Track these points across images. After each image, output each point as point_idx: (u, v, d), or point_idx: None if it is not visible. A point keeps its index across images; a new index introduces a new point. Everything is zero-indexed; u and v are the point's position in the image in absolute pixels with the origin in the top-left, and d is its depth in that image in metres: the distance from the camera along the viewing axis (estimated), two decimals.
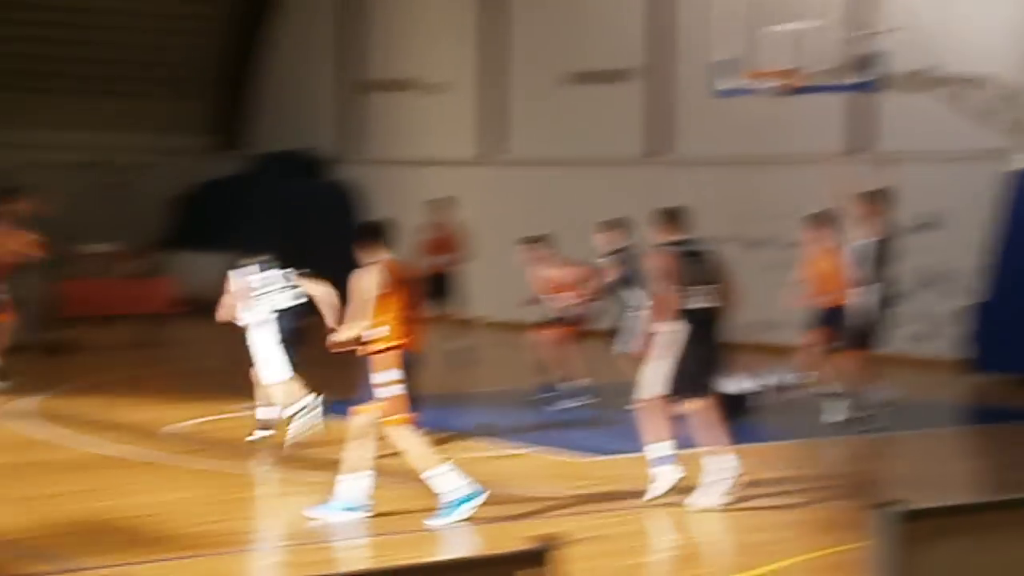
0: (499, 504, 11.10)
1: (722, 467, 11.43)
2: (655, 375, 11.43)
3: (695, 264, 11.54)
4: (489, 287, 23.41)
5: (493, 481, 11.58)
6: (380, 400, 10.80)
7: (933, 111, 19.78)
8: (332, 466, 11.33)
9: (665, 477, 11.43)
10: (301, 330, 14.00)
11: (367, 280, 10.74)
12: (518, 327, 19.95)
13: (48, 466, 12.88)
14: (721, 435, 11.53)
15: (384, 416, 10.80)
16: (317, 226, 27.93)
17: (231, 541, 10.29)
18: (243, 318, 14.07)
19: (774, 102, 17.57)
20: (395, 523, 10.84)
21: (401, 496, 11.35)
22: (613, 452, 13.57)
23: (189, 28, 29.78)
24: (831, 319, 15.44)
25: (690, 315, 11.38)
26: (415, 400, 10.81)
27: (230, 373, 21.27)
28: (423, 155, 27.21)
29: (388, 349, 10.74)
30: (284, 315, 13.90)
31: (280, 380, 13.72)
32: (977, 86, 18.43)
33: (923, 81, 18.01)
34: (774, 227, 21.96)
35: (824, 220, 15.69)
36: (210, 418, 15.52)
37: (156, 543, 10.22)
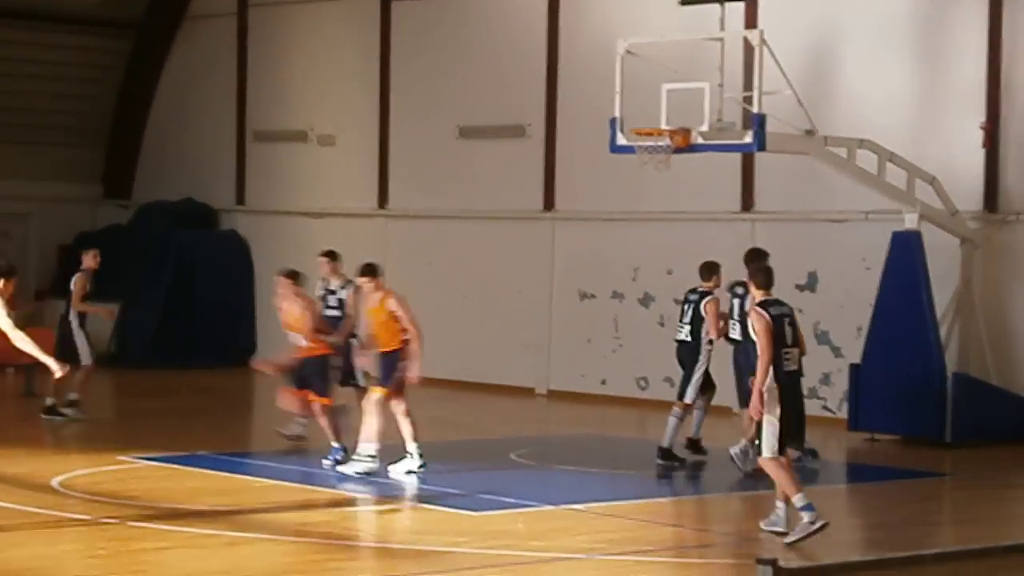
0: (380, 559, 11.03)
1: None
2: (771, 433, 12.05)
3: (788, 325, 12.24)
4: None
5: (374, 536, 11.47)
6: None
7: (817, 172, 20.09)
8: (224, 519, 11.20)
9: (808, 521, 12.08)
10: None
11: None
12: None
13: None
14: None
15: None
16: (209, 275, 27.73)
17: None
18: None
19: (665, 160, 17.71)
20: None
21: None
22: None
23: (80, 76, 29.54)
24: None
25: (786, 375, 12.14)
26: None
27: (116, 423, 21.12)
28: (317, 206, 27.14)
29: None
30: None
31: None
32: (860, 147, 18.73)
33: (806, 143, 18.28)
34: (662, 283, 22.19)
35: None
36: (94, 470, 15.32)
37: None
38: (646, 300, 22.86)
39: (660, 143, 17.45)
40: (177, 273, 27.65)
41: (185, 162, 29.31)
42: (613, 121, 18.11)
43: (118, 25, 29.45)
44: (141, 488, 14.36)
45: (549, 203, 24.27)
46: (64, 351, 18.52)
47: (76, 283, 19.88)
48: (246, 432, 21.09)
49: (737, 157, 21.30)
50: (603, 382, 23.28)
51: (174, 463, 15.71)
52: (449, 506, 13.56)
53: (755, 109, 17.44)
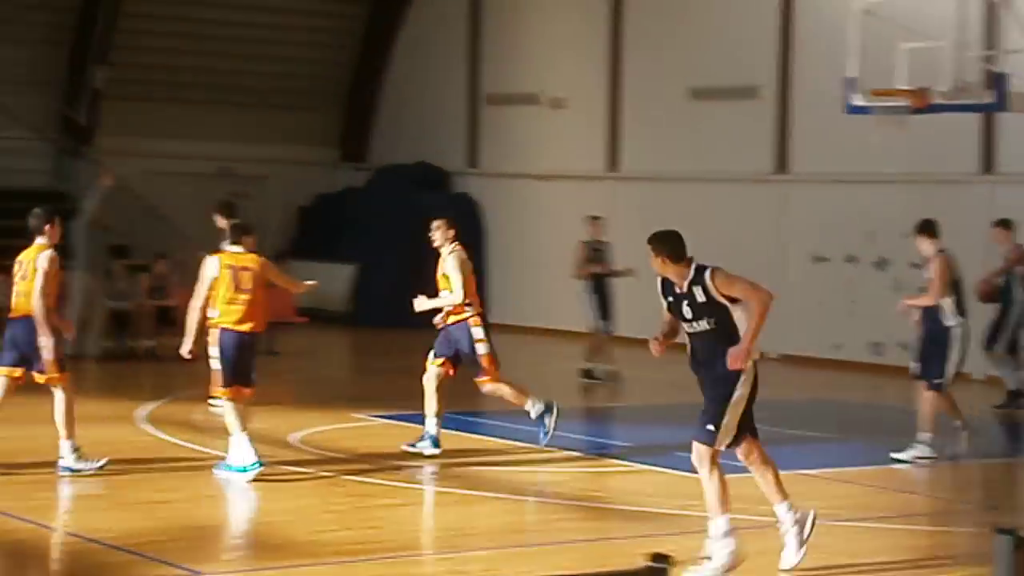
0: (615, 520, 11.06)
1: None
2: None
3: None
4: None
5: (608, 497, 11.52)
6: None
7: None
8: (458, 478, 11.35)
9: None
10: None
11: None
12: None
13: (166, 472, 13.05)
14: None
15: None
16: None
17: (348, 551, 10.34)
18: None
19: (903, 121, 17.34)
20: (508, 538, 10.85)
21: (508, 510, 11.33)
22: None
23: (317, 40, 30.08)
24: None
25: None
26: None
27: (350, 382, 21.53)
28: (547, 169, 27.24)
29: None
30: None
31: None
32: None
33: None
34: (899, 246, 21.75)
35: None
36: (330, 427, 15.65)
37: (273, 550, 10.32)
38: (881, 264, 22.44)
39: (898, 103, 17.09)
40: (412, 235, 28.02)
41: (419, 125, 29.66)
42: (849, 81, 17.79)
43: None
44: (375, 445, 14.62)
45: (781, 165, 23.98)
46: None
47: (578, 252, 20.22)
48: (477, 391, 21.28)
49: (976, 117, 20.74)
50: (836, 347, 22.96)
51: (407, 421, 15.94)
52: (680, 469, 13.52)
53: (997, 68, 16.95)
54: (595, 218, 20.69)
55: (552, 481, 13.24)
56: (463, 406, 16.25)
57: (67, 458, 12.50)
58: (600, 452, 14.86)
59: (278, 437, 14.75)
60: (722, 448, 9.69)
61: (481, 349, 13.95)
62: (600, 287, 20.29)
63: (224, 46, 29.03)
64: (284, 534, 10.79)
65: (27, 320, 12.36)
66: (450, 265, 13.97)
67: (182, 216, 27.83)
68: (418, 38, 29.75)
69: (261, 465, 12.40)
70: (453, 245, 14.04)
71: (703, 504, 9.81)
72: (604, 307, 20.24)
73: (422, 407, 14.06)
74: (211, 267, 12.78)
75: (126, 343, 21.74)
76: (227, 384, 12.65)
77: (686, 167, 25.06)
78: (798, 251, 23.61)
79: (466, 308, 13.97)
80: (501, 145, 28.34)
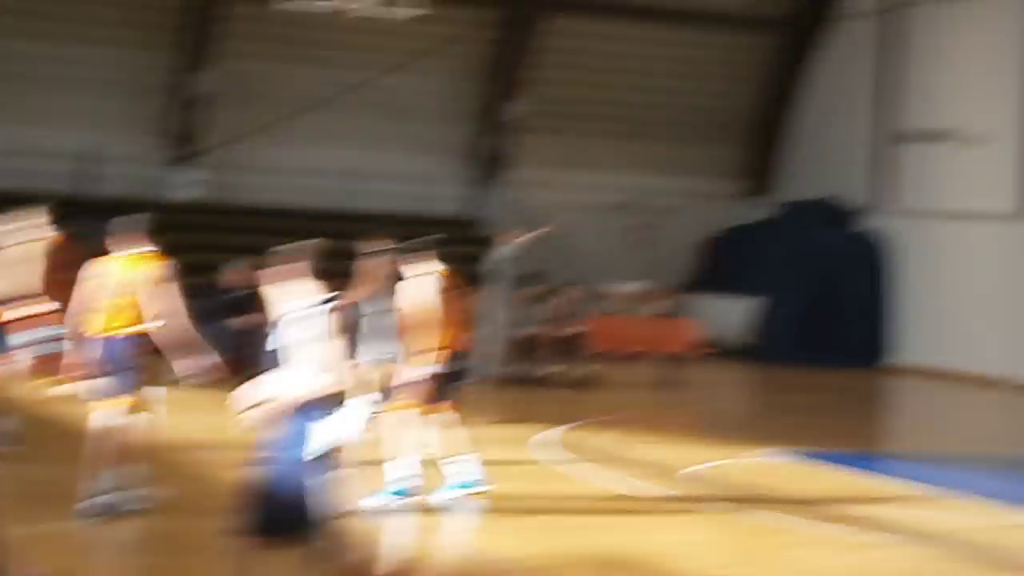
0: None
1: None
2: None
3: None
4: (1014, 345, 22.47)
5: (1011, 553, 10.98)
6: None
7: None
8: (857, 521, 11.03)
9: None
10: None
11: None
12: None
13: (565, 497, 13.13)
14: None
15: None
16: (848, 274, 27.58)
17: None
18: None
19: None
20: None
21: None
22: None
23: (725, 74, 30.04)
24: None
25: None
26: None
27: (750, 417, 21.31)
28: (957, 208, 26.43)
29: None
30: None
31: None
32: None
33: None
34: None
35: None
36: (728, 461, 15.48)
37: None
38: None
39: None
40: (818, 271, 27.66)
41: (825, 160, 29.24)
42: None
43: (766, 24, 29.74)
44: (773, 483, 14.38)
45: None
46: None
47: None
48: (878, 432, 20.78)
49: None
50: None
51: (809, 459, 15.63)
52: None
53: None
54: None
55: (956, 530, 12.74)
56: (865, 447, 15.82)
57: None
58: (1014, 503, 14.21)
59: (673, 469, 14.68)
60: None
61: None
62: None
63: (635, 79, 29.30)
64: (678, 568, 10.70)
65: None
66: None
67: (586, 246, 28.22)
68: (826, 71, 29.37)
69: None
70: None
71: None
72: None
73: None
74: None
75: (528, 368, 22.05)
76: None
77: None
78: None
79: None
80: (910, 182, 27.64)
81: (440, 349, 12.08)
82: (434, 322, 12.04)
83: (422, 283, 12.18)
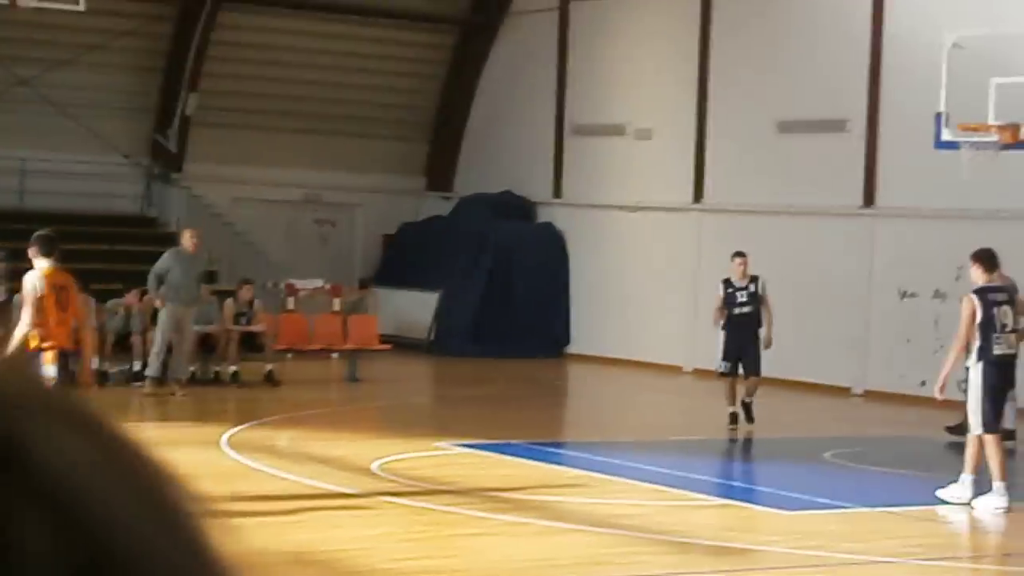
0: (696, 554, 10.98)
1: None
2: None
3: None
4: (684, 334, 23.24)
5: (689, 531, 11.44)
6: None
7: None
8: (536, 509, 11.29)
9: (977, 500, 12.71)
10: None
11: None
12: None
13: (251, 496, 13.10)
14: None
15: None
16: (524, 267, 28.12)
17: None
18: None
19: (992, 156, 17.22)
20: (589, 570, 10.78)
21: None
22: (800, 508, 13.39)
23: (407, 71, 30.25)
24: None
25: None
26: None
27: (434, 409, 21.58)
28: (632, 200, 27.20)
29: None
30: None
31: None
32: None
33: None
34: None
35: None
36: (412, 455, 15.67)
37: None
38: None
39: (987, 139, 16.95)
40: (495, 264, 28.11)
41: (504, 155, 29.74)
42: (938, 116, 17.66)
43: (443, 21, 30.06)
44: (456, 474, 14.62)
45: (869, 199, 23.80)
46: None
47: None
48: (558, 421, 21.29)
49: None
50: (922, 383, 22.68)
51: (488, 450, 15.93)
52: (761, 504, 13.42)
53: None
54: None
55: (630, 514, 13.17)
56: (546, 436, 16.21)
57: None
58: (682, 486, 14.76)
59: (360, 465, 14.79)
60: None
61: None
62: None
63: (313, 74, 29.26)
64: (362, 562, 10.81)
65: None
66: None
67: (269, 243, 28.09)
68: (505, 68, 29.85)
69: None
70: None
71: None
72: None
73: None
74: None
75: (210, 367, 21.88)
76: None
77: (773, 200, 24.92)
78: (885, 286, 23.41)
79: None
80: (586, 176, 28.34)
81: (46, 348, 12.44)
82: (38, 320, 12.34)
83: (30, 279, 12.55)
